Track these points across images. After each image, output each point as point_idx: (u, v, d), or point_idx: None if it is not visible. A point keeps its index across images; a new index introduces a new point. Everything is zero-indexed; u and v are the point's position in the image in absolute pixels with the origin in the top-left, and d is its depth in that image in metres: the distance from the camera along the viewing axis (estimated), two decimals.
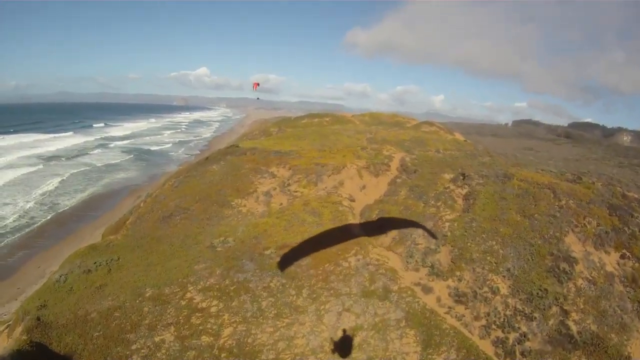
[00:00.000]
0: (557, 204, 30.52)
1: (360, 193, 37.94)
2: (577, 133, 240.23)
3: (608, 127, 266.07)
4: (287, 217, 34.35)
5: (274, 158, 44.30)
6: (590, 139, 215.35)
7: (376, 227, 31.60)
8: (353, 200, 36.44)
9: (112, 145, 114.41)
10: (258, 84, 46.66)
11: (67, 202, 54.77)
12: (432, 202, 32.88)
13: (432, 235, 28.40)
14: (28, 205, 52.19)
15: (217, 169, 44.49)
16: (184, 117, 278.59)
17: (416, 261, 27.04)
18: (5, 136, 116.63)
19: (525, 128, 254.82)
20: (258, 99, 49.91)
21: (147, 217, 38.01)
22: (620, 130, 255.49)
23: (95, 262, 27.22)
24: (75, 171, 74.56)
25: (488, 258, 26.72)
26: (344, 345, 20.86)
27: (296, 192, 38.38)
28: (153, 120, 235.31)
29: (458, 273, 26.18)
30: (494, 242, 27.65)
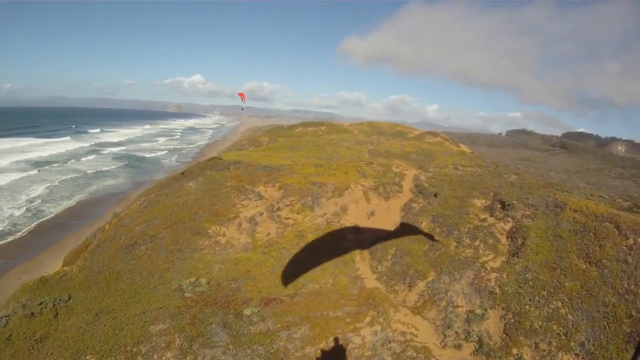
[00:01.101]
0: (624, 243, 22.29)
1: (368, 222, 29.65)
2: (571, 143, 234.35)
3: (602, 137, 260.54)
4: (276, 253, 26.35)
5: (262, 174, 35.94)
6: (584, 148, 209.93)
7: (394, 273, 23.37)
8: (360, 232, 28.16)
9: (105, 152, 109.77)
10: (244, 95, 39.71)
11: (52, 210, 50.82)
12: (468, 241, 24.59)
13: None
14: (13, 212, 48.35)
15: (193, 186, 36.13)
16: (179, 124, 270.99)
17: (456, 333, 18.72)
18: (1, 139, 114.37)
19: (519, 138, 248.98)
20: (242, 109, 43.06)
21: (108, 244, 29.88)
22: (614, 140, 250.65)
23: (41, 303, 21.98)
24: (64, 177, 70.30)
25: (554, 327, 18.43)
26: None
27: (287, 218, 30.02)
28: (148, 126, 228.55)
29: (515, 351, 17.87)
30: (560, 304, 19.35)
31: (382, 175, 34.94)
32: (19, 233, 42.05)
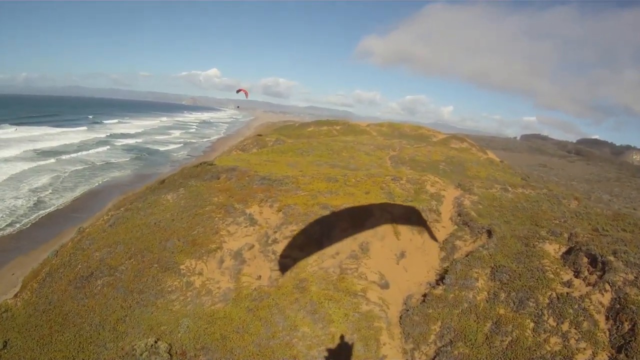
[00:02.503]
0: None
1: (398, 268, 20.53)
2: (587, 150, 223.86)
3: (616, 144, 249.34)
4: (266, 313, 17.95)
5: (259, 189, 27.00)
6: (600, 156, 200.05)
7: None
8: (387, 287, 19.08)
9: (117, 143, 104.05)
10: (246, 91, 31.86)
11: (54, 202, 47.15)
12: (551, 322, 15.47)
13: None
14: (14, 203, 44.92)
15: (171, 201, 27.54)
16: (194, 118, 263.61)
17: None
18: (19, 127, 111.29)
19: (535, 143, 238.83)
20: (238, 106, 34.97)
21: (62, 272, 22.04)
22: (629, 148, 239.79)
23: None
24: (73, 168, 65.82)
25: None
26: None
27: (287, 257, 20.98)
28: (165, 118, 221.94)
29: None
30: None
31: (414, 197, 25.69)
32: (18, 225, 38.39)
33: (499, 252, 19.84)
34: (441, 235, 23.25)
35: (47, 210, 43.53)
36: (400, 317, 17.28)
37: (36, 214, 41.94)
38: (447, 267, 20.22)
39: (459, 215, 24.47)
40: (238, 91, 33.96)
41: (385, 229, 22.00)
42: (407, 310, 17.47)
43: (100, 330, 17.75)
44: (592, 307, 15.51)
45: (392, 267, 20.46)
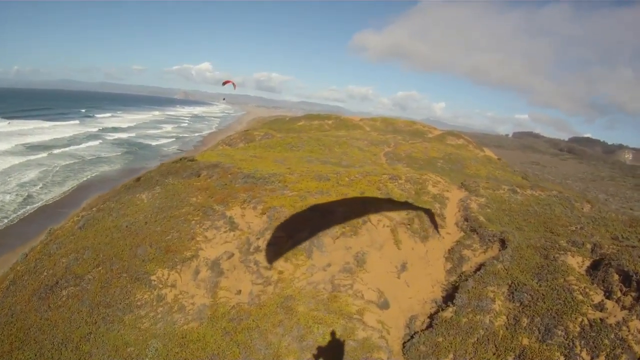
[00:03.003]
0: None
1: (399, 283, 17.63)
2: (579, 148, 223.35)
3: (608, 143, 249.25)
4: (245, 337, 15.42)
5: (241, 188, 23.97)
6: (592, 155, 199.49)
7: None
8: (386, 306, 16.19)
9: (109, 137, 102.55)
10: (234, 83, 28.71)
11: (42, 197, 45.71)
12: (582, 354, 12.80)
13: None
14: (3, 198, 43.50)
15: (146, 200, 24.57)
16: (187, 112, 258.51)
17: None
18: (12, 121, 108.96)
19: (527, 140, 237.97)
20: (224, 99, 31.91)
21: (26, 280, 19.53)
22: (621, 147, 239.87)
23: None
24: (63, 163, 64.17)
25: None
26: None
27: (270, 268, 18.12)
28: (156, 113, 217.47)
29: None
30: None
31: (414, 199, 22.74)
32: (6, 220, 36.86)
33: (515, 265, 16.99)
34: (446, 243, 20.40)
35: (36, 206, 42.00)
36: (404, 346, 14.36)
37: (23, 210, 40.44)
38: (455, 281, 17.38)
39: (466, 220, 21.60)
40: (224, 83, 30.94)
41: (385, 236, 19.07)
42: (412, 338, 14.54)
43: (63, 349, 15.26)
44: (630, 337, 12.72)
45: (392, 282, 17.56)
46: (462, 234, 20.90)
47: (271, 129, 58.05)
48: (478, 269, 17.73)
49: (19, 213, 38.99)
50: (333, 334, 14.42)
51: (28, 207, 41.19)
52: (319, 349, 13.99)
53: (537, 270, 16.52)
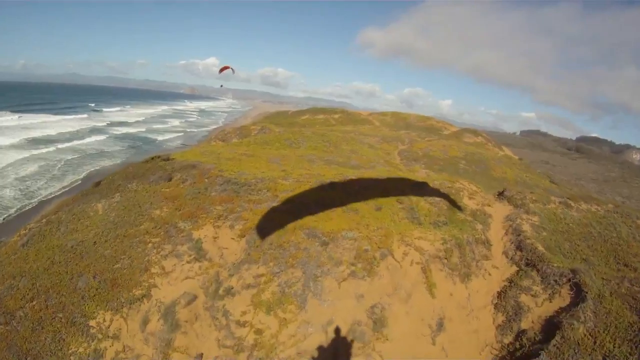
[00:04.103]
0: None
1: (434, 351, 11.46)
2: (587, 148, 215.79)
3: (615, 143, 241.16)
4: None
5: (218, 197, 17.85)
6: (601, 154, 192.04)
7: None
8: None
9: (115, 132, 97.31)
10: (230, 68, 24.19)
11: (42, 192, 43.17)
12: None
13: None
14: (2, 193, 40.95)
15: (101, 212, 18.72)
16: (194, 107, 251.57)
17: None
18: (23, 115, 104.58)
19: (535, 139, 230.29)
20: (222, 86, 26.02)
21: None
22: (628, 147, 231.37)
23: None
24: (65, 157, 60.46)
25: None
26: None
27: (244, 324, 12.09)
28: (164, 107, 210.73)
29: None
30: None
31: (448, 216, 16.47)
32: (5, 215, 34.54)
33: (603, 329, 10.93)
34: (494, 282, 14.27)
35: (33, 200, 39.62)
36: None
37: (19, 205, 38.04)
38: (515, 347, 11.24)
39: (519, 248, 15.39)
40: (221, 70, 25.01)
41: (413, 278, 12.86)
42: None
43: None
44: None
45: (424, 350, 11.39)
46: (515, 268, 14.75)
47: (272, 122, 51.72)
48: (545, 327, 11.66)
49: (17, 208, 36.60)
50: None
51: (26, 202, 38.74)
52: None
53: (633, 336, 10.45)
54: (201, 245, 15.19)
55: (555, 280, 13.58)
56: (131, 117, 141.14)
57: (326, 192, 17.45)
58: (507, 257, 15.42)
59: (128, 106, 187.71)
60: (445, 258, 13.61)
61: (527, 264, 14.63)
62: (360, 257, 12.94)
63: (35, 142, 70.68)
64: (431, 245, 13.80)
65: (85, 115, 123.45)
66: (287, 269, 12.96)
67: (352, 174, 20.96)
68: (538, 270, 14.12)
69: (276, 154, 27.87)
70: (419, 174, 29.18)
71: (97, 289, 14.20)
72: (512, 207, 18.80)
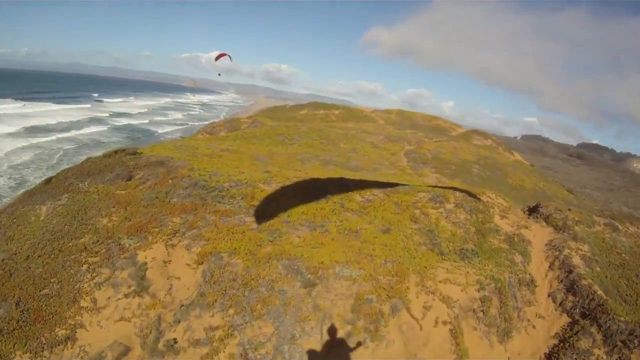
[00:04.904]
0: None
1: None
2: (588, 154, 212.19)
3: (616, 151, 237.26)
4: None
5: (179, 205, 13.71)
6: (602, 162, 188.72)
7: None
8: None
9: (115, 122, 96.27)
10: (227, 55, 21.58)
11: (37, 181, 38.16)
12: None
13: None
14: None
15: (43, 217, 15.02)
16: (197, 100, 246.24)
17: None
18: (27, 103, 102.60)
19: (536, 144, 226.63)
20: (220, 75, 21.48)
21: None
22: (629, 156, 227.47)
23: None
24: (61, 146, 59.77)
25: None
26: None
27: None
28: (167, 100, 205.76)
29: None
30: None
31: (477, 243, 12.24)
32: None
33: None
34: (540, 337, 10.22)
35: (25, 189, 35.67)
36: None
37: (16, 194, 34.70)
38: None
39: (571, 291, 11.30)
40: (217, 58, 21.11)
41: (437, 346, 8.66)
42: None
43: None
44: None
45: None
46: (566, 318, 10.67)
47: (267, 116, 47.30)
48: None
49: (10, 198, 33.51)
50: None
51: (21, 190, 35.48)
52: None
53: None
54: (145, 272, 11.10)
55: (623, 342, 9.56)
56: (133, 108, 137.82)
57: (318, 205, 13.28)
58: (554, 301, 11.30)
59: (131, 97, 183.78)
60: (482, 310, 9.46)
61: (583, 315, 10.53)
62: (361, 310, 8.76)
63: (33, 131, 68.40)
64: (463, 293, 9.64)
65: (87, 105, 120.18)
66: (253, 320, 8.81)
67: (351, 179, 16.79)
68: (599, 326, 10.03)
69: (264, 151, 23.75)
70: (429, 179, 25.08)
71: (17, 322, 10.54)
72: (552, 229, 14.60)
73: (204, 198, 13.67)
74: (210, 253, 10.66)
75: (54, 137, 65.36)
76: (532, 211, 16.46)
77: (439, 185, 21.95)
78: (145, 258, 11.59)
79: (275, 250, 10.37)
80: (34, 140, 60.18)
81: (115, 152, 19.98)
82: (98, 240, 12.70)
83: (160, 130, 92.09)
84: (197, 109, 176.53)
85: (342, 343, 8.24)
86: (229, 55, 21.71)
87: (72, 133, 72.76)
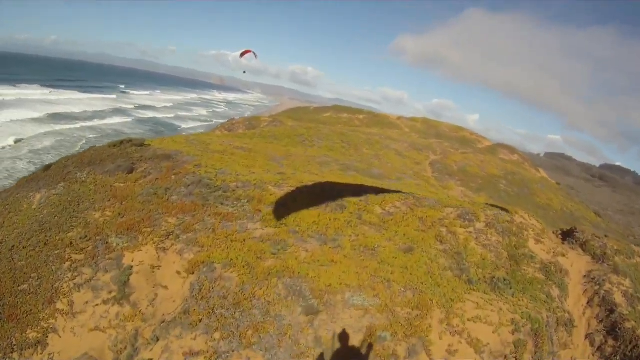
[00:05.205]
0: None
1: None
2: (611, 176, 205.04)
3: (639, 173, 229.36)
4: None
5: (178, 204, 12.36)
6: (625, 184, 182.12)
7: None
8: None
9: (139, 115, 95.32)
10: (252, 52, 19.45)
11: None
12: None
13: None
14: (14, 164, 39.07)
15: (36, 205, 13.70)
16: (223, 98, 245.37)
17: None
18: (53, 90, 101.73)
19: (559, 162, 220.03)
20: (245, 72, 20.03)
21: None
22: None
23: None
24: (82, 135, 59.32)
25: None
26: None
27: None
28: (193, 95, 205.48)
29: None
30: None
31: (510, 269, 10.48)
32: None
33: None
34: None
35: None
36: None
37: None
38: None
39: (612, 334, 9.58)
40: (242, 54, 19.83)
41: None
42: None
43: None
44: None
45: None
46: None
47: (290, 117, 45.86)
48: None
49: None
50: None
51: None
52: None
53: None
54: (128, 277, 9.76)
55: None
56: (159, 102, 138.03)
57: (333, 213, 11.73)
58: (592, 344, 9.59)
59: (157, 91, 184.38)
60: (514, 357, 7.74)
61: None
62: (373, 348, 7.17)
63: (57, 118, 67.92)
64: (495, 335, 7.94)
65: (113, 96, 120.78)
66: (241, 349, 7.30)
67: (372, 187, 15.19)
68: None
69: (282, 152, 22.33)
70: (455, 192, 23.30)
71: None
72: (589, 258, 12.72)
73: (206, 198, 12.28)
74: (203, 262, 9.22)
75: (77, 125, 64.86)
76: (567, 236, 14.54)
77: (466, 200, 20.24)
78: (132, 261, 10.25)
79: (277, 266, 8.85)
80: (57, 127, 59.72)
81: (121, 142, 18.75)
82: (86, 236, 11.44)
83: (184, 125, 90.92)
84: (222, 107, 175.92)
85: None
86: (253, 53, 20.52)
87: (96, 122, 72.27)
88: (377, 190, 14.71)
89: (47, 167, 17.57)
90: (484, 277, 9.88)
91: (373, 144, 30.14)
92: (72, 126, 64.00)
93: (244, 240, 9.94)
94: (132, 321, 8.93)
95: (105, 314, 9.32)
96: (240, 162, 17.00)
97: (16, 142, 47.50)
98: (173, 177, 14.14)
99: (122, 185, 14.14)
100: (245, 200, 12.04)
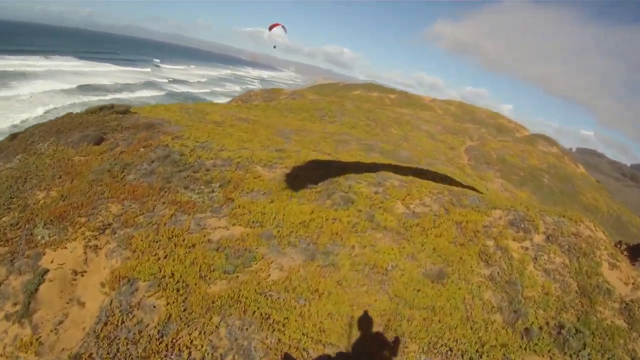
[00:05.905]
0: None
1: None
2: None
3: None
4: None
5: (130, 185, 9.24)
6: None
7: None
8: None
9: (172, 89, 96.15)
10: (281, 25, 17.38)
11: None
12: None
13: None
14: None
15: None
16: (256, 74, 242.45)
17: None
18: (86, 62, 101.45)
19: (590, 158, 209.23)
20: (275, 47, 16.38)
21: None
22: None
23: None
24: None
25: None
26: None
27: None
28: (227, 71, 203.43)
29: None
30: None
31: (580, 309, 6.99)
32: None
33: None
34: None
35: None
36: None
37: None
38: None
39: None
40: (271, 27, 16.77)
41: None
42: None
43: None
44: None
45: None
46: None
47: (317, 92, 42.04)
48: None
49: None
50: None
51: None
52: None
53: None
54: (39, 285, 6.81)
55: None
56: (193, 77, 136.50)
57: (333, 210, 8.41)
58: None
59: (192, 66, 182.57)
60: None
61: None
62: None
63: (87, 89, 68.12)
64: None
65: (147, 70, 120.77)
66: None
67: (394, 172, 11.71)
68: None
69: (295, 126, 19.07)
70: (494, 184, 19.62)
71: None
72: None
73: (169, 179, 9.22)
74: (125, 277, 6.13)
75: (107, 97, 63.14)
76: (635, 252, 10.64)
77: (508, 195, 16.59)
78: (52, 262, 7.37)
79: (226, 295, 5.69)
80: (85, 99, 58.50)
81: (101, 108, 15.85)
82: (17, 223, 8.68)
83: (216, 101, 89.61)
84: (255, 84, 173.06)
85: None
86: (282, 26, 17.51)
87: (124, 94, 71.62)
88: (398, 169, 11.30)
89: (13, 136, 14.80)
90: (547, 324, 6.45)
91: (402, 123, 26.50)
92: (101, 98, 62.19)
93: (194, 245, 6.85)
94: (26, 352, 6.03)
95: (3, 334, 6.48)
96: (235, 135, 13.84)
97: (45, 112, 45.70)
98: (142, 149, 11.14)
99: (82, 159, 11.25)
100: (217, 185, 8.92)
